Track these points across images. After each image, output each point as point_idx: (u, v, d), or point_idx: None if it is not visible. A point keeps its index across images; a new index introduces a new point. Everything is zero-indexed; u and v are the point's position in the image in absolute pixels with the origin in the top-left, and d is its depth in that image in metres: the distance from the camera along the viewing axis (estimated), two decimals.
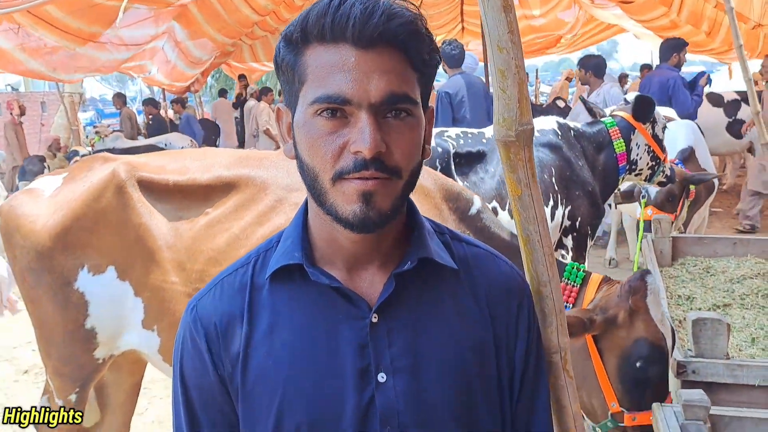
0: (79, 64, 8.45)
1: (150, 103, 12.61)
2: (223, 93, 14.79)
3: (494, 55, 1.01)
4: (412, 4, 0.95)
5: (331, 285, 1.00)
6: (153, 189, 2.32)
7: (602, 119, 3.63)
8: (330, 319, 1.00)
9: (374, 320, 0.99)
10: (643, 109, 3.55)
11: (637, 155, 3.57)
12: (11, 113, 11.57)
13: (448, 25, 12.31)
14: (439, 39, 12.22)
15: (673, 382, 2.36)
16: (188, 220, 2.30)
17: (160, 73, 11.07)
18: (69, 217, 2.27)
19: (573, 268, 2.16)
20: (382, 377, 0.98)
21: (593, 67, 6.80)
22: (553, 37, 11.87)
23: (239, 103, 12.75)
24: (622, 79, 16.92)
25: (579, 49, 14.15)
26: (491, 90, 1.07)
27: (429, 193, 2.23)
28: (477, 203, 2.32)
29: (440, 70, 6.20)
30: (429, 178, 2.31)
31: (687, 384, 2.29)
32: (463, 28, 12.48)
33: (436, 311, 1.03)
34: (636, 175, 3.67)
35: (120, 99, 13.01)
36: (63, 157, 10.47)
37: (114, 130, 11.93)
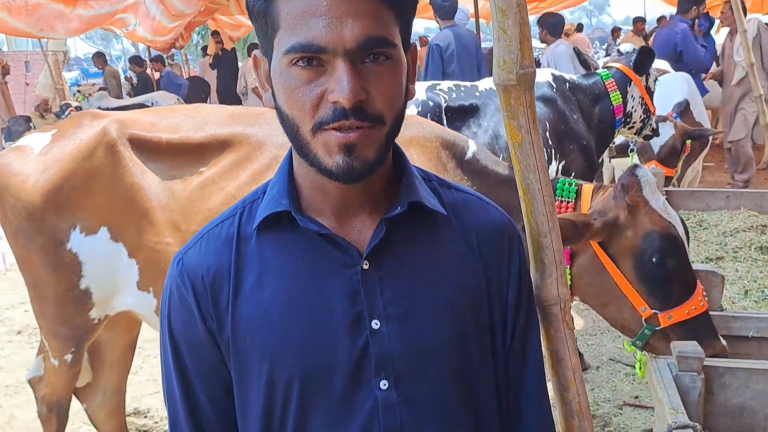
0: (63, 22, 8.25)
1: (135, 61, 12.37)
2: (206, 50, 14.53)
3: None
4: None
5: (320, 232, 0.97)
6: (145, 147, 2.26)
7: (597, 71, 3.59)
8: (320, 267, 0.98)
9: (365, 267, 0.97)
10: (644, 61, 3.51)
11: (632, 108, 3.54)
12: None
13: None
14: None
15: None
16: (182, 179, 2.25)
17: (142, 27, 10.79)
18: (59, 177, 2.22)
19: (564, 183, 2.11)
20: (375, 324, 0.97)
21: (549, 26, 6.71)
22: None
23: (216, 62, 12.37)
24: (615, 32, 16.76)
25: (571, 6, 13.92)
26: (487, 40, 1.02)
27: (426, 144, 2.20)
28: (472, 147, 2.28)
29: (433, 22, 6.12)
30: (425, 127, 2.27)
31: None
32: None
33: (428, 257, 1.01)
34: (629, 129, 3.65)
35: (100, 58, 12.72)
36: (54, 115, 10.28)
37: (100, 89, 11.70)
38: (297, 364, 0.97)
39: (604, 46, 18.95)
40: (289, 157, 1.03)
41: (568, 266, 2.00)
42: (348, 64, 0.86)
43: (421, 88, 3.19)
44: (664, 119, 4.07)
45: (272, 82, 0.95)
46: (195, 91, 11.68)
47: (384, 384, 0.97)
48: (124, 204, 2.24)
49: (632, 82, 3.50)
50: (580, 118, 3.36)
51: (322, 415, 0.98)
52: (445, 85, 3.29)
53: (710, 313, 2.50)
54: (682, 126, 4.20)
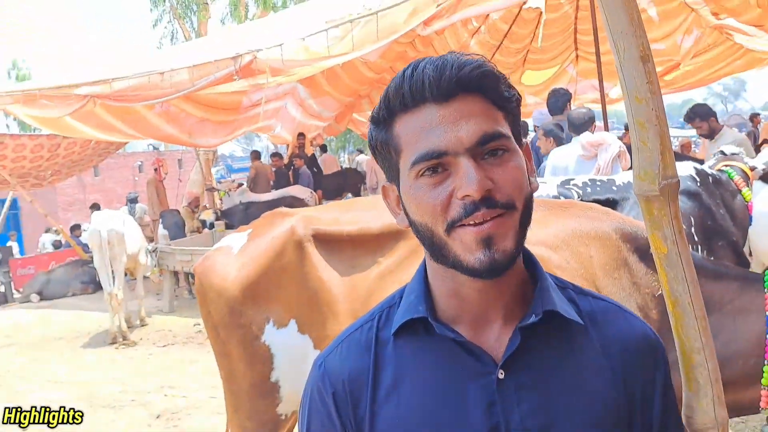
0: (212, 130, 9.16)
1: (276, 156, 13.24)
2: (324, 149, 15.31)
3: (632, 107, 0.96)
4: (480, 55, 0.97)
5: (456, 339, 0.98)
6: (328, 241, 2.40)
7: (723, 169, 3.47)
8: (455, 375, 0.98)
9: (501, 376, 0.96)
10: None
11: (754, 206, 3.39)
12: (156, 171, 12.54)
13: (562, 55, 12.00)
14: (554, 70, 11.88)
15: None
16: (361, 270, 2.36)
17: (284, 130, 11.61)
18: (255, 272, 2.39)
19: None
20: None
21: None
22: (672, 63, 11.21)
23: (290, 164, 11.93)
24: (754, 118, 15.77)
25: (701, 85, 13.34)
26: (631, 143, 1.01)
27: (605, 238, 2.10)
28: None
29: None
30: (604, 220, 2.16)
31: None
32: (577, 56, 12.13)
33: (564, 367, 0.98)
34: None
35: (254, 154, 13.68)
36: (197, 218, 11.19)
37: (239, 185, 12.58)
38: None
39: (743, 134, 17.90)
40: (424, 267, 1.06)
41: None
42: (470, 160, 0.91)
43: (552, 184, 3.17)
44: None
45: (403, 201, 1.00)
46: (352, 183, 12.16)
47: None
48: (310, 297, 2.36)
49: (750, 181, 3.39)
50: (726, 213, 3.18)
51: None
52: (580, 179, 3.25)
53: None
54: None
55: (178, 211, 11.56)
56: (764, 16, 7.13)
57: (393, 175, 1.01)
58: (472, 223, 0.91)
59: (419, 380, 0.99)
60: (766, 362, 1.80)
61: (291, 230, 2.41)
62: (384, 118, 0.99)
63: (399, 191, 1.01)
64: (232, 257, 2.47)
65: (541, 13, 10.02)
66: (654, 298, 1.98)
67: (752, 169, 3.49)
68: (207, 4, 18.37)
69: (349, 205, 2.66)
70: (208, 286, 2.46)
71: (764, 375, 1.79)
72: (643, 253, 2.11)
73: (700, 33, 9.50)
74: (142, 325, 8.47)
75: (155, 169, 12.80)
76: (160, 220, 11.00)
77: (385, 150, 1.00)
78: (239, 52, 6.79)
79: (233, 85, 7.45)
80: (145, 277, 8.89)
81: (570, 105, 5.93)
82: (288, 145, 13.72)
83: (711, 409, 1.00)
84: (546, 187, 3.16)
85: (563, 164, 4.68)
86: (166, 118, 8.59)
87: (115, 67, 8.13)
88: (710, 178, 3.27)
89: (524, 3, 5.36)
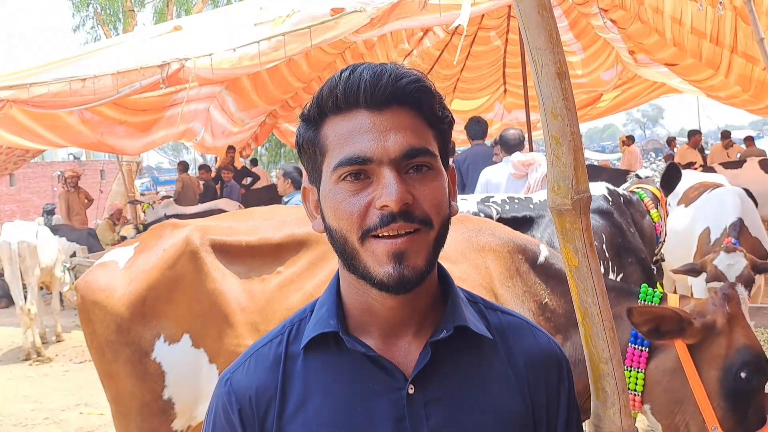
0: (130, 132, 8.87)
1: (203, 168, 12.95)
2: (254, 162, 15.08)
3: (548, 122, 0.99)
4: (419, 71, 0.98)
5: (366, 354, 0.97)
6: (225, 251, 2.31)
7: (635, 190, 3.64)
8: (365, 390, 0.98)
9: (410, 391, 0.96)
10: (672, 180, 3.60)
11: (662, 227, 3.56)
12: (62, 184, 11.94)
13: (491, 87, 12.35)
14: (483, 101, 12.24)
15: None
16: (261, 279, 2.29)
17: (208, 135, 11.36)
18: (145, 287, 2.26)
19: (647, 288, 2.07)
20: None
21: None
22: (596, 94, 11.81)
23: (218, 177, 11.58)
24: (671, 142, 16.73)
25: (623, 110, 14.07)
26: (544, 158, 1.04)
27: (499, 250, 2.18)
28: (544, 251, 2.24)
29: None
30: (497, 233, 2.25)
31: None
32: (505, 90, 12.50)
33: (474, 381, 1.00)
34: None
35: (181, 166, 13.30)
36: (116, 234, 10.76)
37: (164, 197, 12.18)
38: None
39: (660, 158, 18.94)
40: (337, 278, 1.05)
41: (644, 369, 1.96)
42: (393, 171, 0.91)
43: (473, 201, 3.22)
44: (732, 250, 3.97)
45: (321, 205, 0.99)
46: (278, 199, 11.89)
47: None
48: (206, 309, 2.27)
49: (659, 203, 3.56)
50: (636, 231, 3.33)
51: None
52: (499, 197, 3.31)
53: None
54: (752, 258, 4.07)
55: (71, 227, 11.02)
56: (679, 54, 7.52)
57: (315, 177, 0.99)
58: (386, 234, 0.90)
59: (329, 395, 0.98)
60: (624, 367, 1.92)
61: (185, 241, 2.31)
62: (314, 117, 0.97)
63: (318, 194, 0.99)
64: (118, 272, 2.34)
65: (471, 42, 10.37)
66: (541, 305, 2.09)
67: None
68: (134, 11, 17.89)
69: (246, 215, 2.56)
70: (92, 304, 2.31)
71: None
72: (533, 263, 2.24)
73: (620, 67, 10.04)
74: (59, 341, 8.05)
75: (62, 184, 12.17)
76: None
77: (310, 150, 0.98)
78: (166, 60, 6.62)
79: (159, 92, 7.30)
80: (61, 292, 8.49)
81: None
82: (217, 157, 13.43)
83: (618, 418, 1.03)
84: (466, 204, 3.20)
85: (496, 181, 4.82)
86: (82, 122, 8.26)
87: (32, 70, 7.75)
88: (622, 198, 3.41)
89: (450, 23, 5.49)
